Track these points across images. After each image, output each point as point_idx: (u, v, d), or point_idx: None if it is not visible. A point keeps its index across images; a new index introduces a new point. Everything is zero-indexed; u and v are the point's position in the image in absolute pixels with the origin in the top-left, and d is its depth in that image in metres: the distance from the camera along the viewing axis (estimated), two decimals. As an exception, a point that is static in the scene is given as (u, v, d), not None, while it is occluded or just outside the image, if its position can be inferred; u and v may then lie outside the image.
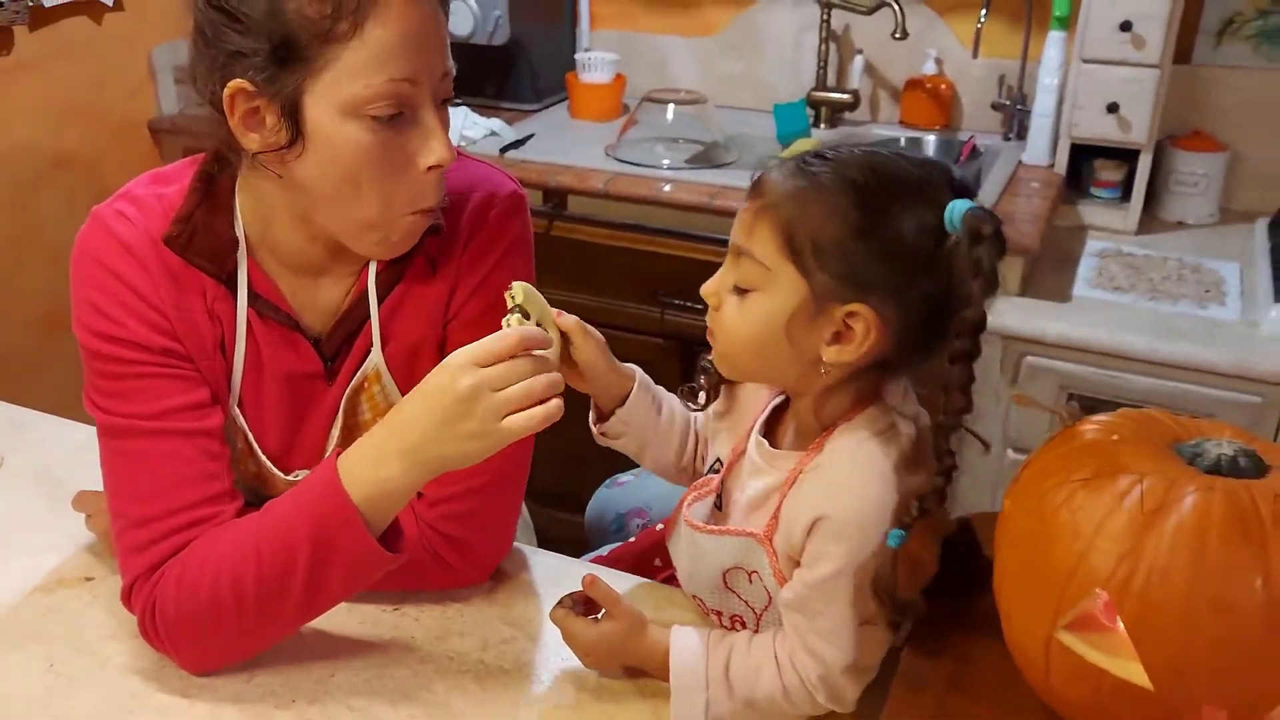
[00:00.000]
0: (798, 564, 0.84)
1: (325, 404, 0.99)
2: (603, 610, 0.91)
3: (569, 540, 1.23)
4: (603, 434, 0.99)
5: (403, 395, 0.98)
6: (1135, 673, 0.62)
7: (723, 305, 0.84)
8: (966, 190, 0.78)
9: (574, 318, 0.92)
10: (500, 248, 0.99)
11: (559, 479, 1.63)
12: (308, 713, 0.88)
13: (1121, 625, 0.61)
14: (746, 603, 0.92)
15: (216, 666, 0.92)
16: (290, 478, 0.98)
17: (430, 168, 0.86)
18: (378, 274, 0.97)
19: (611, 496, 1.28)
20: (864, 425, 0.83)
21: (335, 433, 0.99)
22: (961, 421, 0.77)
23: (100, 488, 0.95)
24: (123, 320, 0.91)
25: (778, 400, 0.92)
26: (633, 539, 1.15)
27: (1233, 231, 1.93)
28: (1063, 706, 0.68)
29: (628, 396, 0.96)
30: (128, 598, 0.90)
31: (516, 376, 0.80)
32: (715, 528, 0.90)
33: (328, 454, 0.97)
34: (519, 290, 0.86)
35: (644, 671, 0.91)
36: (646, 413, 0.98)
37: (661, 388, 1.03)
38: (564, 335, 0.90)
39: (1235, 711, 0.60)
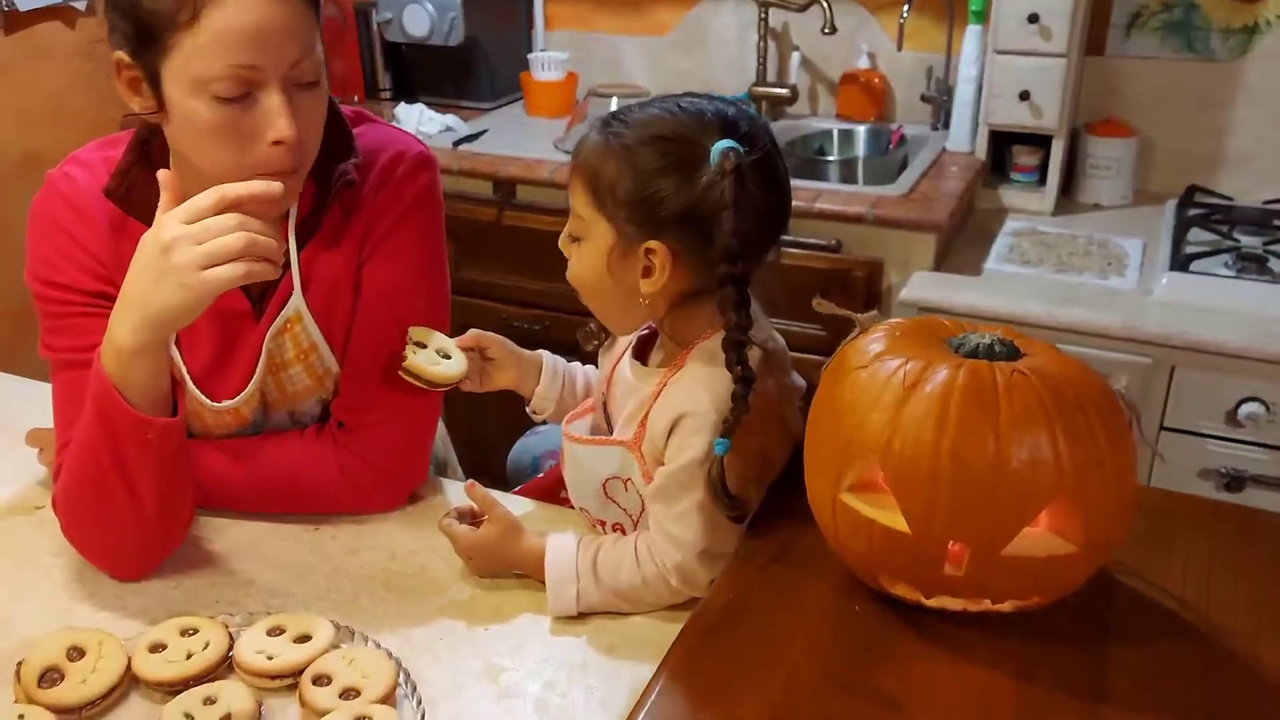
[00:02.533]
0: (662, 465, 0.95)
1: (252, 340, 1.10)
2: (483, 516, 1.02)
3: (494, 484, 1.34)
4: (533, 412, 1.18)
5: (323, 334, 1.10)
6: (897, 521, 0.72)
7: (570, 256, 0.97)
8: (735, 130, 0.90)
9: (470, 334, 1.12)
10: (407, 198, 1.10)
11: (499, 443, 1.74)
12: (229, 610, 0.99)
13: (884, 481, 0.72)
14: (625, 510, 1.02)
15: (130, 570, 1.03)
16: (218, 406, 1.09)
17: (274, 142, 0.97)
18: (298, 223, 1.08)
19: (530, 442, 1.40)
20: (716, 342, 0.95)
21: (260, 369, 1.10)
22: (742, 336, 0.88)
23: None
24: (63, 267, 1.04)
25: (645, 331, 1.04)
26: (542, 474, 1.26)
27: (1144, 212, 2.04)
28: (849, 557, 0.79)
29: None
30: (54, 502, 1.03)
31: (214, 232, 0.87)
32: (590, 438, 1.01)
33: (251, 388, 1.09)
34: (413, 332, 1.07)
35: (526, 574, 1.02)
36: (558, 386, 1.17)
37: (577, 362, 1.21)
38: (473, 350, 1.11)
39: (975, 547, 0.71)
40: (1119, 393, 0.74)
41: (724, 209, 0.86)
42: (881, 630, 0.78)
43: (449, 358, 1.09)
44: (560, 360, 1.20)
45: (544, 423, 1.23)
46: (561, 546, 0.98)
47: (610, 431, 1.05)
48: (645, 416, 0.97)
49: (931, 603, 0.76)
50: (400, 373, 1.06)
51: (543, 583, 0.98)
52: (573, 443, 1.03)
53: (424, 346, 1.08)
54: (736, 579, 0.85)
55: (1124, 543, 0.76)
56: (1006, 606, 0.75)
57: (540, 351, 1.19)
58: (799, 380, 1.02)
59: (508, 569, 1.02)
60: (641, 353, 1.04)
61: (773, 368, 0.97)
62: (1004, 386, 0.71)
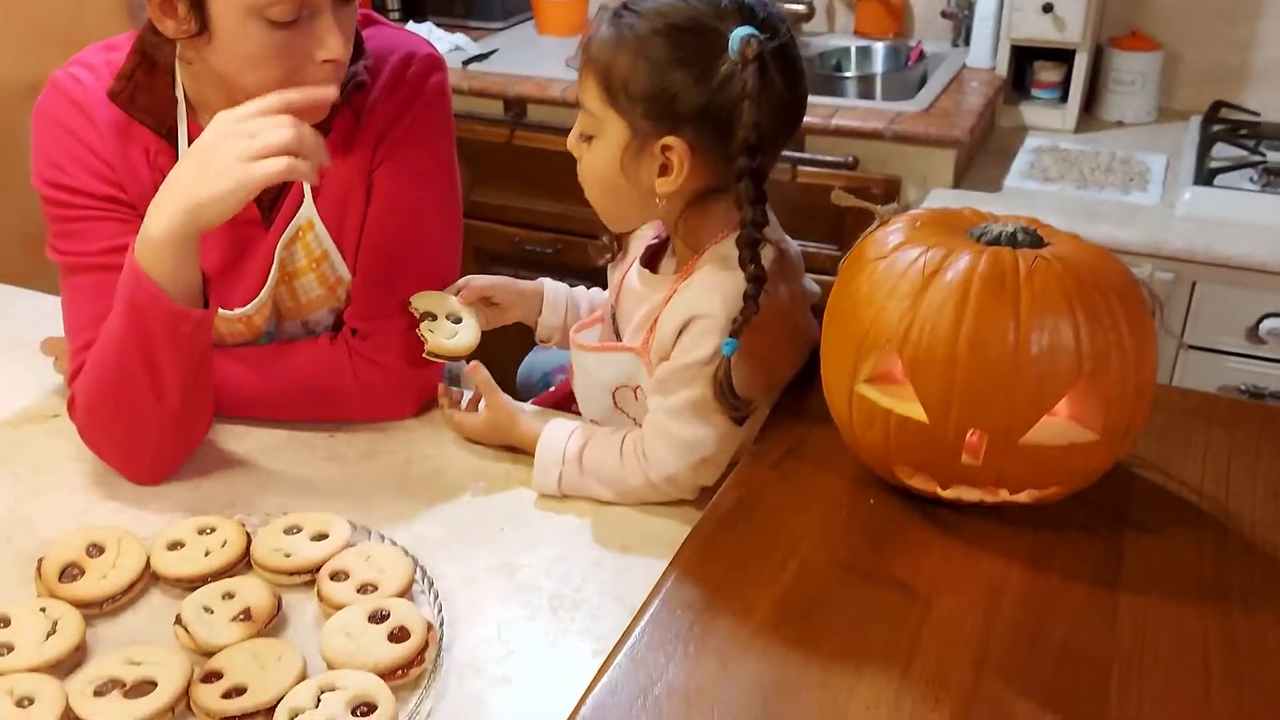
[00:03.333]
0: None
1: (263, 249, 1.09)
2: (482, 401, 1.04)
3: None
4: (542, 341, 1.20)
5: (335, 242, 1.09)
6: (915, 410, 0.72)
7: (581, 156, 0.94)
8: (754, 17, 0.86)
9: (473, 288, 1.11)
10: (419, 100, 1.08)
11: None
12: (246, 512, 0.99)
13: (902, 370, 0.71)
14: (634, 419, 1.02)
15: (148, 473, 1.03)
16: (232, 314, 1.09)
17: (324, 60, 0.95)
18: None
19: (539, 358, 1.39)
20: (729, 245, 0.93)
21: (271, 277, 1.10)
22: (757, 234, 0.87)
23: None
24: (71, 170, 1.03)
25: (654, 240, 1.02)
26: (553, 389, 1.26)
27: (1168, 128, 1.99)
28: (865, 449, 0.79)
29: None
30: (70, 412, 1.03)
31: (266, 128, 0.89)
32: (598, 345, 1.01)
33: (263, 295, 1.08)
34: (415, 299, 1.08)
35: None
36: (562, 313, 1.18)
37: (581, 286, 1.22)
38: (479, 303, 1.11)
39: (994, 435, 0.70)
40: (1141, 281, 0.73)
41: (744, 100, 0.84)
42: (896, 522, 0.78)
43: (459, 320, 1.10)
44: (562, 287, 1.20)
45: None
46: (556, 433, 1.00)
47: (619, 339, 1.04)
48: (655, 322, 0.96)
49: (948, 494, 0.76)
50: (425, 356, 1.07)
51: (532, 456, 1.01)
52: (581, 350, 1.03)
53: (434, 317, 1.08)
54: (750, 474, 0.85)
55: (1142, 431, 0.75)
56: (1024, 497, 0.75)
57: (541, 281, 1.20)
58: (812, 286, 1.00)
59: (507, 443, 1.06)
60: (651, 262, 1.03)
61: (785, 271, 0.95)
62: (1025, 272, 0.69)
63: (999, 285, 0.69)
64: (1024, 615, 0.70)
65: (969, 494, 0.75)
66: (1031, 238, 0.75)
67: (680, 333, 0.92)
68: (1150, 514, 0.78)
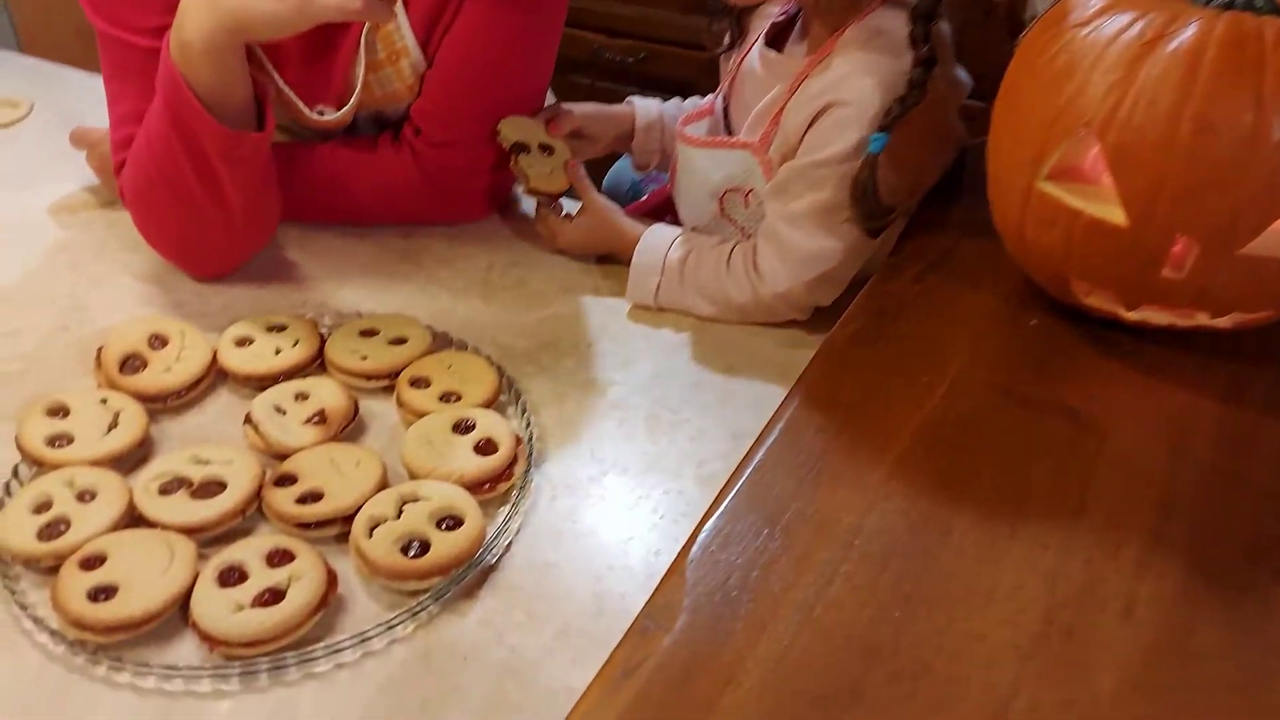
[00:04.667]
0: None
1: (347, 41, 0.97)
2: (578, 206, 0.94)
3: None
4: (640, 168, 1.09)
5: (415, 35, 0.97)
6: (1111, 211, 0.60)
7: None
8: None
9: (563, 121, 0.99)
10: None
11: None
12: (317, 314, 0.92)
13: (1098, 161, 0.59)
14: (741, 228, 0.91)
15: (210, 270, 0.95)
16: (315, 113, 0.98)
17: None
18: None
19: (627, 165, 1.27)
20: (884, 16, 0.80)
21: (359, 69, 0.98)
22: (935, 8, 0.73)
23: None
24: None
25: (779, 16, 0.88)
26: (645, 198, 1.15)
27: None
28: (1036, 259, 0.67)
29: None
30: (123, 198, 0.94)
31: None
32: (708, 139, 0.89)
33: (353, 103, 0.97)
34: (503, 126, 0.96)
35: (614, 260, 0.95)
36: (656, 135, 1.05)
37: (675, 99, 1.08)
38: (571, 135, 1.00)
39: (1207, 243, 0.58)
40: None
41: None
42: (1063, 346, 0.67)
43: (550, 150, 0.99)
44: (653, 105, 1.06)
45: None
46: (656, 239, 0.90)
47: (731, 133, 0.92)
48: (779, 112, 0.83)
49: (1132, 316, 0.65)
50: (527, 194, 1.00)
51: (625, 263, 0.92)
52: (688, 145, 0.91)
53: (525, 149, 0.98)
54: (884, 288, 0.74)
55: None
56: (1225, 322, 0.63)
57: (629, 101, 1.06)
58: (963, 76, 0.87)
59: (601, 251, 0.96)
60: (776, 42, 0.89)
61: (942, 54, 0.81)
62: (1273, 43, 0.56)
63: (1238, 56, 0.56)
64: (1218, 455, 0.60)
65: (1158, 316, 0.64)
66: (1271, 4, 0.60)
67: (811, 124, 0.80)
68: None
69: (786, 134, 0.82)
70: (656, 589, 0.53)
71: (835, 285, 0.85)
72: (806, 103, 0.80)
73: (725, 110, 0.92)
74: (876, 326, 0.71)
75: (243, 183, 0.88)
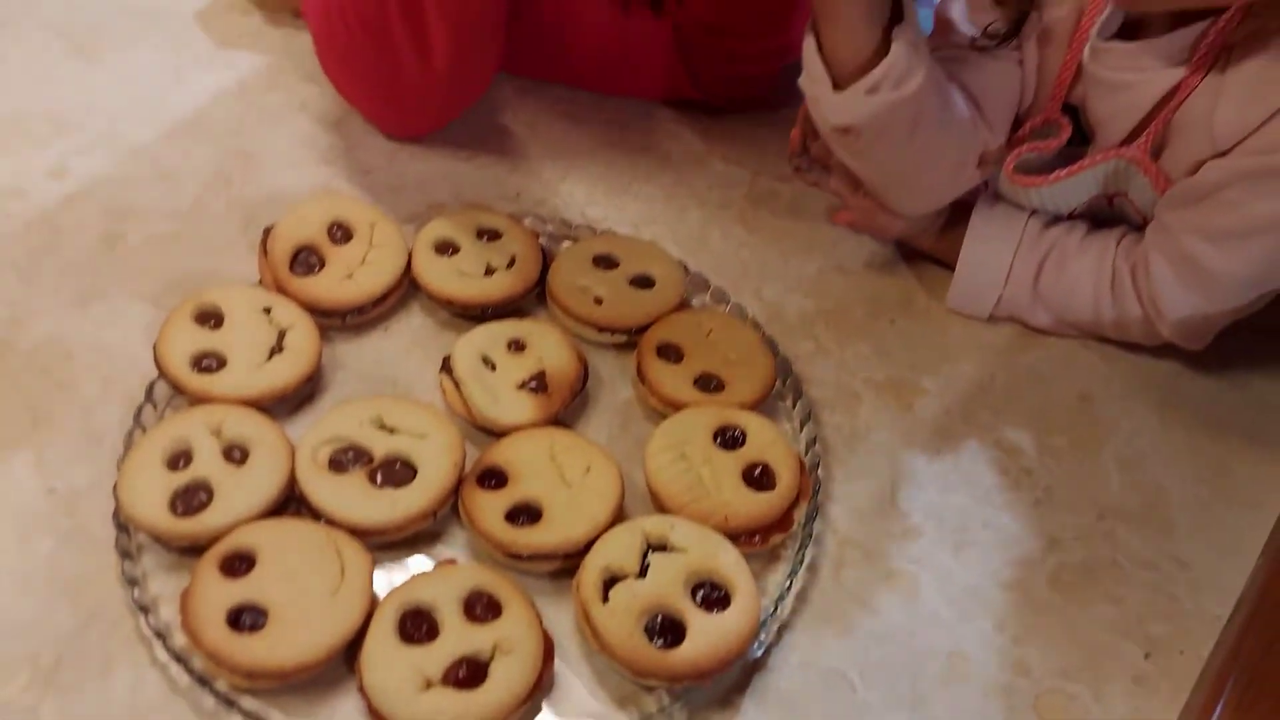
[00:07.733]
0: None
1: None
2: None
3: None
4: None
5: None
6: None
7: None
8: None
9: None
10: None
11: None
12: (537, 207, 0.71)
13: None
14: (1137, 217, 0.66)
15: (411, 128, 0.75)
16: None
17: None
18: None
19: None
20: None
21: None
22: None
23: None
24: None
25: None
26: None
27: None
28: None
29: None
30: (305, 17, 0.73)
31: None
32: (1060, 171, 0.62)
33: None
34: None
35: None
36: None
37: None
38: None
39: None
40: None
41: None
42: None
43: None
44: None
45: None
46: (993, 238, 0.65)
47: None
48: (1171, 108, 0.57)
49: None
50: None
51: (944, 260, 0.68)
52: (1030, 188, 0.64)
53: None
54: None
55: None
56: None
57: None
58: None
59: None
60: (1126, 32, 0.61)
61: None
62: None
63: None
64: None
65: None
66: None
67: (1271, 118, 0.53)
68: None
69: (1192, 137, 0.56)
70: None
71: (1233, 319, 0.61)
72: (1247, 99, 0.53)
73: (1074, 116, 0.64)
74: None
75: (453, 24, 0.66)
